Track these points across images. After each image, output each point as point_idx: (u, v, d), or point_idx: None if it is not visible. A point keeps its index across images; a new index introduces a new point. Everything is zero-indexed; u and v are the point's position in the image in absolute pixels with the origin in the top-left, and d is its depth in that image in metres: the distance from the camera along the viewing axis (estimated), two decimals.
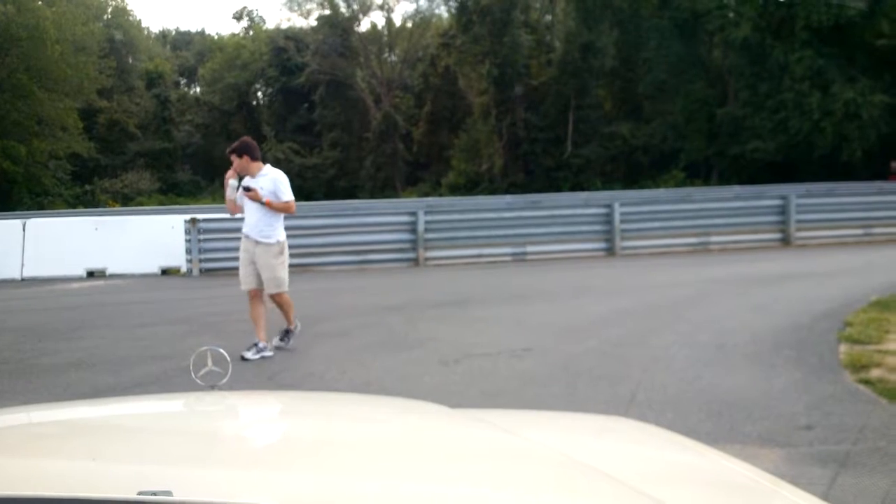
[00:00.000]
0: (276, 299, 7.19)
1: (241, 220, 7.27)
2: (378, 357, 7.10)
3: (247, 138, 7.40)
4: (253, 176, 7.05)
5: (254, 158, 7.07)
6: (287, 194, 7.06)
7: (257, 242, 7.03)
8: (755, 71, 32.86)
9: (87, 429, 1.61)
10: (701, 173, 35.13)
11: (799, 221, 16.11)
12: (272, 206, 6.98)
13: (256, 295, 7.16)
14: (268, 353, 7.06)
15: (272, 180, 7.05)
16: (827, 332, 7.34)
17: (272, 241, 7.04)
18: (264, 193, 6.96)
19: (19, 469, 1.23)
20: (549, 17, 43.15)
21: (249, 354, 6.96)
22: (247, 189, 6.96)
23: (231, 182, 7.19)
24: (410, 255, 15.02)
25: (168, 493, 0.95)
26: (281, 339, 7.39)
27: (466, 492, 1.19)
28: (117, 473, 1.19)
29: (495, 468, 1.36)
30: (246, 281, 7.13)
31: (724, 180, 32.56)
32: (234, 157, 7.04)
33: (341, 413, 1.87)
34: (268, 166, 7.22)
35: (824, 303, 8.85)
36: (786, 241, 16.04)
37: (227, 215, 7.78)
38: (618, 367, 6.30)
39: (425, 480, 1.24)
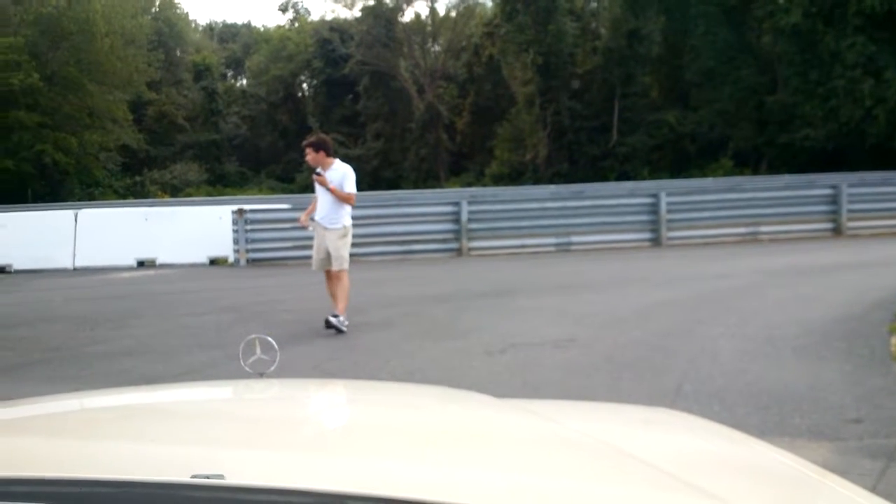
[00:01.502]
0: (339, 278, 7.86)
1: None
2: (422, 347, 7.14)
3: (323, 135, 8.47)
4: (325, 170, 7.84)
5: (328, 154, 7.91)
6: (350, 187, 7.83)
7: (326, 228, 7.87)
8: (806, 58, 32.14)
9: (139, 413, 1.65)
10: (750, 162, 34.51)
11: (851, 211, 15.79)
12: (336, 194, 7.77)
13: (329, 276, 8.03)
14: (333, 320, 7.69)
15: (342, 174, 7.85)
16: (878, 323, 7.20)
17: (339, 226, 7.87)
18: (333, 184, 7.74)
19: (73, 452, 1.27)
20: (594, 4, 42.65)
21: (336, 321, 7.68)
22: (318, 174, 7.81)
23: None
24: (454, 245, 15.04)
25: (220, 476, 0.97)
26: (334, 317, 7.72)
27: (512, 478, 1.20)
28: (170, 457, 1.22)
29: (540, 456, 1.36)
30: (316, 264, 8.08)
31: (774, 169, 31.94)
32: (310, 150, 7.87)
33: (387, 401, 1.89)
34: (338, 161, 7.99)
35: (876, 293, 8.68)
36: (837, 231, 15.73)
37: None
38: (663, 359, 6.25)
39: (471, 467, 1.25)
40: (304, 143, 8.06)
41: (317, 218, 7.96)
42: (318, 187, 7.89)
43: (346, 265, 7.87)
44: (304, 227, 8.36)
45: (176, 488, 0.95)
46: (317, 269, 8.13)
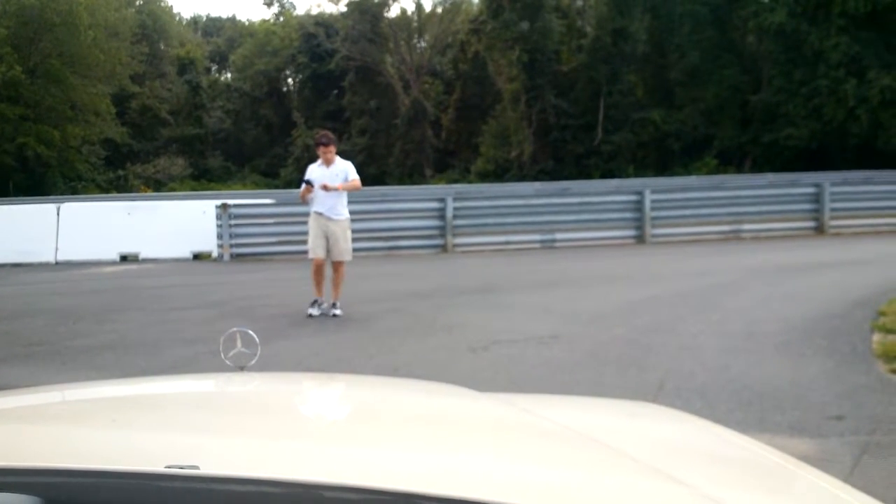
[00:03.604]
0: (341, 268, 8.48)
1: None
2: (406, 343, 7.13)
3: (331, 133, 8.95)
4: (331, 163, 8.30)
5: (336, 150, 8.45)
6: (355, 174, 8.40)
7: (330, 219, 8.33)
8: (790, 57, 32.37)
9: (116, 404, 1.64)
10: (734, 161, 34.72)
11: (833, 210, 15.90)
12: (348, 187, 8.32)
13: (322, 264, 8.43)
14: (314, 312, 8.29)
15: (345, 167, 8.39)
16: (860, 321, 7.25)
17: (344, 217, 8.43)
18: (339, 178, 8.25)
19: (49, 442, 1.26)
20: (580, 2, 42.77)
21: (314, 311, 8.28)
22: (324, 186, 8.19)
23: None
24: (439, 241, 15.04)
25: (195, 467, 0.97)
26: (333, 306, 8.38)
27: (491, 468, 1.20)
28: (145, 447, 1.21)
29: (520, 447, 1.37)
30: (317, 251, 8.38)
31: (758, 168, 32.16)
32: (332, 147, 8.33)
33: (367, 393, 1.89)
34: (337, 157, 8.47)
35: (858, 292, 8.74)
36: (820, 230, 15.84)
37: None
38: (646, 356, 6.27)
39: (450, 457, 1.25)
40: (325, 140, 8.37)
41: (320, 210, 8.33)
42: (318, 184, 8.23)
43: (350, 255, 8.60)
44: (305, 195, 8.47)
45: (150, 478, 0.94)
46: (314, 255, 8.43)
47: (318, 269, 8.44)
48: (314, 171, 8.34)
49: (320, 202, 8.31)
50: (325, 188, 8.19)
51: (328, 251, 8.39)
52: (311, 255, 8.48)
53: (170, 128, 46.99)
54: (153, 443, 1.24)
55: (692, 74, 35.77)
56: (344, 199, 8.42)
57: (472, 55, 44.34)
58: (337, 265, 8.46)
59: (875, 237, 14.92)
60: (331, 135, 8.67)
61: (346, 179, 8.28)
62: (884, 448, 4.15)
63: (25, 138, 34.52)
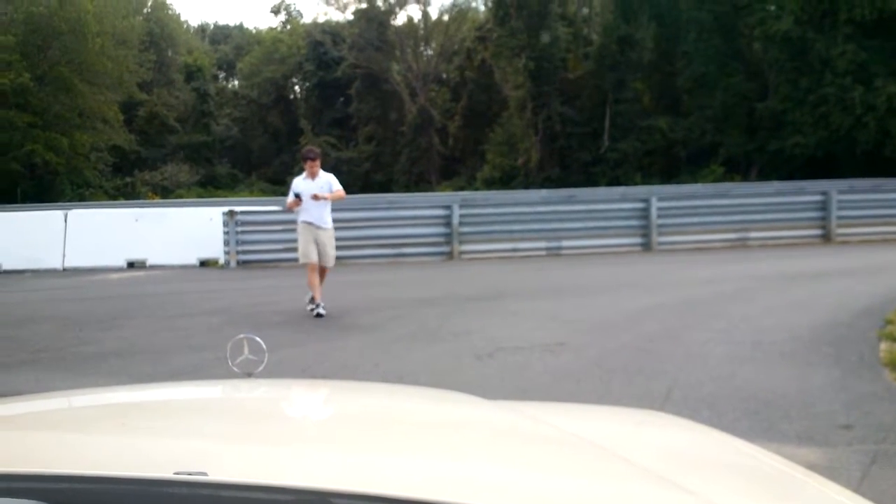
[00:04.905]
0: (326, 273, 9.16)
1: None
2: (411, 350, 7.13)
3: (317, 149, 10.04)
4: (315, 176, 8.94)
5: (321, 164, 9.14)
6: (338, 185, 9.05)
7: (320, 227, 8.96)
8: (796, 65, 32.28)
9: (124, 410, 1.64)
10: (740, 168, 34.64)
11: (840, 217, 15.86)
12: (335, 197, 8.97)
13: (315, 268, 8.97)
14: (322, 311, 8.74)
15: (328, 179, 9.05)
16: (867, 329, 7.22)
17: (330, 226, 9.07)
18: (324, 190, 8.89)
19: (58, 448, 1.26)
20: (586, 11, 42.81)
21: (321, 310, 8.76)
22: (314, 196, 8.83)
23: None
24: (445, 248, 15.04)
25: (203, 473, 0.97)
26: (317, 305, 8.86)
27: (498, 475, 1.20)
28: (154, 453, 1.21)
29: (527, 454, 1.36)
30: (310, 256, 8.96)
31: (764, 176, 32.03)
32: (317, 162, 8.98)
33: (374, 400, 1.89)
34: (321, 169, 9.17)
35: (865, 300, 8.71)
36: (826, 238, 15.80)
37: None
38: (653, 364, 6.25)
39: (458, 464, 1.25)
40: (311, 155, 9.04)
41: (309, 220, 8.94)
42: (306, 195, 8.85)
43: (334, 263, 9.21)
44: (293, 207, 9.11)
45: (158, 484, 0.95)
46: (306, 261, 9.03)
47: (312, 274, 9.04)
48: (300, 184, 8.96)
49: (309, 212, 8.95)
50: (316, 198, 8.80)
51: (319, 257, 9.00)
52: (304, 261, 9.08)
53: (177, 135, 47.10)
54: (161, 449, 1.24)
55: (698, 82, 35.72)
56: (329, 208, 9.06)
57: (478, 63, 44.40)
58: (323, 271, 9.12)
59: (882, 245, 14.87)
60: (316, 150, 9.53)
61: (330, 190, 8.92)
62: (893, 457, 4.13)
63: (34, 145, 34.61)
